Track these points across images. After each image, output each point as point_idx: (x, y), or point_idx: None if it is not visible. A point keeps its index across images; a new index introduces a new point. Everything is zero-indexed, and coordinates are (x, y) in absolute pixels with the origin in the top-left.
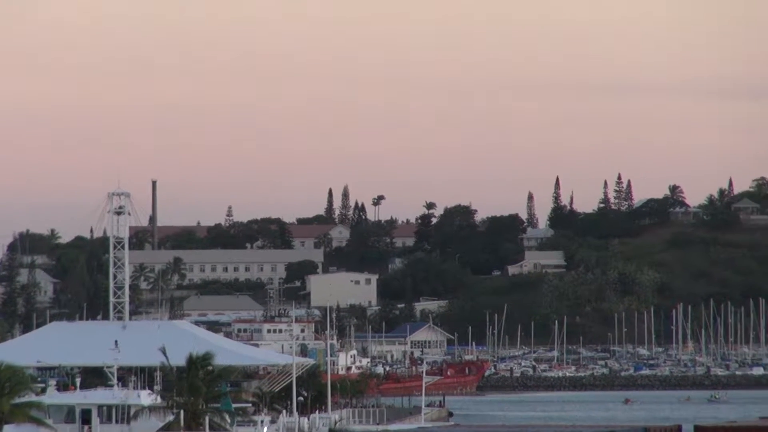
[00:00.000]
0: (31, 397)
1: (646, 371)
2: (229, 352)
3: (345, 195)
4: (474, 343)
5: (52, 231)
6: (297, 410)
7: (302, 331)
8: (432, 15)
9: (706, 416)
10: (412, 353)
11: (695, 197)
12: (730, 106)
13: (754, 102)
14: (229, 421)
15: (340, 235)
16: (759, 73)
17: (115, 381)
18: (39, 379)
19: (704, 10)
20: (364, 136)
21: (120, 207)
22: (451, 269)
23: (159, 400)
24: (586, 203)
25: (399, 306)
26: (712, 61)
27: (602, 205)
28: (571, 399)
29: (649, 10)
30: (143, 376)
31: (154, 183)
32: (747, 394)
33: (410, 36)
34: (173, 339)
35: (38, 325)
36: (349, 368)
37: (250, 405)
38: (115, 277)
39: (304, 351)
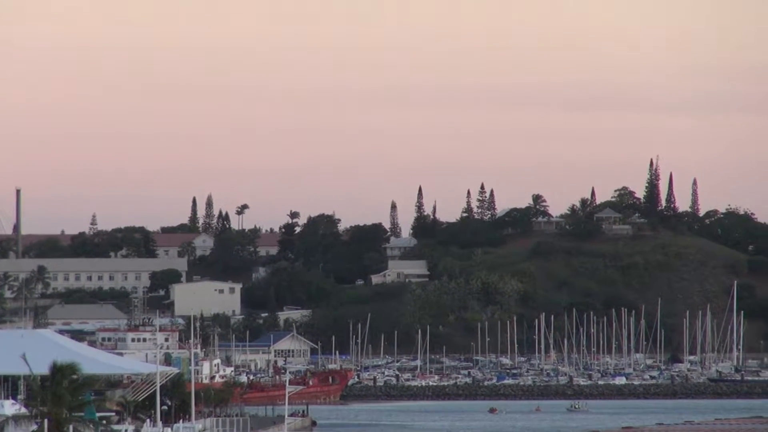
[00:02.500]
0: None
1: (509, 381)
2: (93, 361)
3: (209, 204)
4: (337, 352)
5: None
6: (161, 419)
7: (166, 340)
8: (287, 24)
9: (569, 426)
10: (275, 362)
11: (558, 207)
12: (593, 116)
13: (616, 112)
14: (93, 430)
15: (204, 244)
16: (619, 83)
17: None
18: None
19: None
20: (227, 145)
21: None
22: (315, 278)
23: (23, 409)
24: (449, 213)
25: (263, 315)
26: (574, 72)
27: (465, 215)
28: (435, 408)
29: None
30: (7, 385)
31: (18, 191)
32: (609, 404)
33: (270, 46)
34: (37, 348)
35: None
36: (212, 377)
37: (114, 414)
38: None
39: (168, 360)
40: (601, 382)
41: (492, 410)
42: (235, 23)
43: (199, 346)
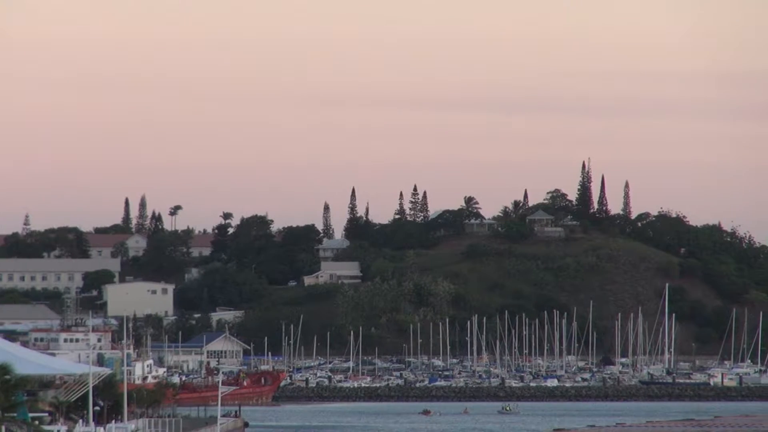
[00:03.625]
0: None
1: (441, 382)
2: (25, 362)
3: (142, 205)
4: (270, 353)
5: None
6: (93, 420)
7: (99, 340)
8: (220, 21)
9: (501, 429)
10: (208, 363)
11: (490, 209)
12: (525, 118)
13: (549, 114)
14: (25, 430)
15: (137, 244)
16: (551, 85)
17: None
18: None
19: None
20: (160, 146)
21: None
22: (248, 279)
23: None
24: (382, 214)
25: (195, 316)
26: (506, 74)
27: (398, 217)
28: (368, 410)
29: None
30: None
31: None
32: (541, 406)
33: (204, 43)
34: None
35: None
36: (145, 378)
37: (46, 415)
38: None
39: (100, 360)
40: (533, 384)
41: (425, 412)
42: (166, 17)
43: (131, 346)
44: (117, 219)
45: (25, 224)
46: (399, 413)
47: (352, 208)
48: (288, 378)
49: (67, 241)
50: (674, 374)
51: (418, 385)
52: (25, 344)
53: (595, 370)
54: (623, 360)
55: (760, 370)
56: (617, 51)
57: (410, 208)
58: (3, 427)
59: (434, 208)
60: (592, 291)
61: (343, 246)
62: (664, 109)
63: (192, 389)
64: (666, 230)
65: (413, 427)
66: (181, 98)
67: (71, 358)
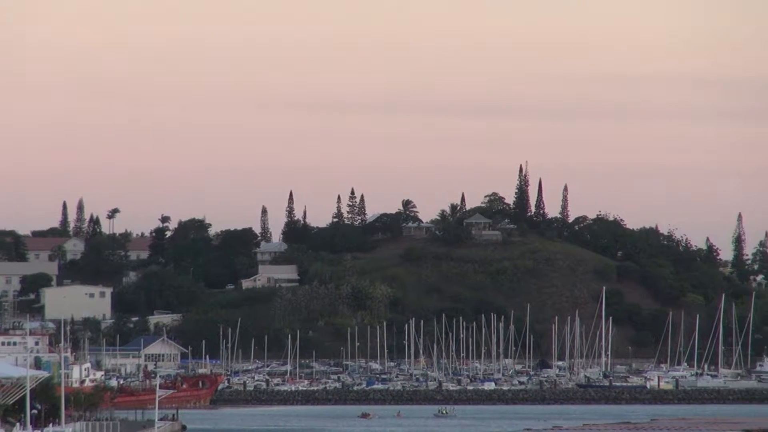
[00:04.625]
0: None
1: (378, 386)
2: None
3: (80, 208)
4: (208, 356)
5: None
6: (31, 423)
7: (36, 343)
8: (157, 23)
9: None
10: (146, 366)
11: (428, 212)
12: (463, 122)
13: (486, 118)
14: None
15: (74, 247)
16: (489, 89)
17: None
18: None
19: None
20: (99, 149)
21: None
22: (185, 283)
23: None
24: (320, 218)
25: (133, 319)
26: (447, 81)
27: (335, 220)
28: (305, 413)
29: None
30: None
31: None
32: (478, 409)
33: (141, 46)
34: None
35: None
36: (83, 381)
37: None
38: None
39: (38, 364)
40: (470, 388)
41: (365, 415)
42: (107, 21)
43: (69, 350)
44: (55, 222)
45: None
46: (337, 416)
47: (290, 211)
48: (226, 381)
49: (5, 245)
50: (611, 377)
51: (355, 388)
52: None
53: (532, 373)
54: (560, 363)
55: (697, 373)
56: (555, 54)
57: (348, 212)
58: None
59: (372, 212)
60: (530, 294)
61: (281, 249)
62: (601, 113)
63: (129, 392)
64: (603, 233)
65: (354, 430)
66: (119, 102)
67: (8, 362)
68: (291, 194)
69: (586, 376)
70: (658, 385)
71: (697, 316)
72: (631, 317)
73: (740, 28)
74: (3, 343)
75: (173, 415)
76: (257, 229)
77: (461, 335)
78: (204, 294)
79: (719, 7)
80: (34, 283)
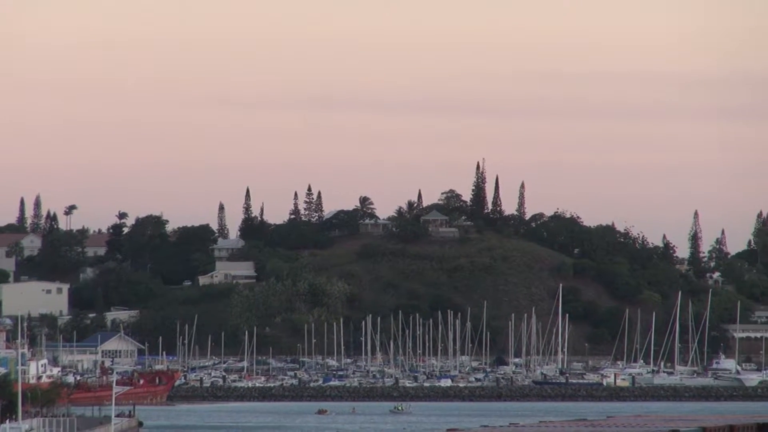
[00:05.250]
0: None
1: (335, 382)
2: None
3: (37, 204)
4: (164, 352)
5: None
6: None
7: None
8: (123, 25)
9: (393, 429)
10: (102, 363)
11: (385, 209)
12: (419, 119)
13: (443, 114)
14: None
15: (31, 244)
16: (445, 86)
17: None
18: None
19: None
20: (56, 145)
21: None
22: (143, 279)
23: None
24: (277, 214)
25: (90, 315)
26: (405, 78)
27: (293, 217)
28: (262, 410)
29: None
30: None
31: None
32: (434, 406)
33: (100, 46)
34: None
35: None
36: (40, 377)
37: None
38: None
39: None
40: (426, 384)
41: (321, 411)
42: (60, 18)
43: (26, 346)
44: (12, 218)
45: None
46: (294, 413)
47: (247, 208)
48: (182, 378)
49: None
50: (567, 374)
51: (312, 384)
52: None
53: (488, 370)
54: (517, 360)
55: (653, 371)
56: (511, 51)
57: (305, 208)
58: None
59: (329, 209)
60: (486, 291)
61: (238, 246)
62: (558, 111)
63: (87, 389)
64: (560, 231)
65: (310, 426)
66: (76, 98)
67: None
68: (248, 191)
69: (542, 373)
70: (615, 382)
71: (654, 313)
72: (588, 314)
73: (688, 25)
74: None
75: (130, 411)
76: (214, 226)
77: (418, 332)
78: (161, 290)
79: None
80: None
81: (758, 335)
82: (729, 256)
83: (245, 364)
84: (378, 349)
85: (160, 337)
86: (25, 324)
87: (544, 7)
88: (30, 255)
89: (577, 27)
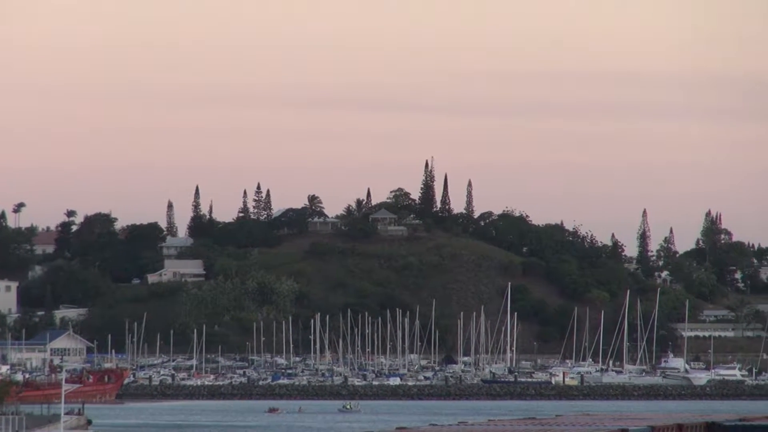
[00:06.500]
0: None
1: (284, 381)
2: None
3: None
4: (114, 351)
5: None
6: None
7: None
8: (78, 26)
9: (345, 428)
10: (51, 361)
11: (333, 208)
12: (369, 117)
13: (391, 113)
14: None
15: None
16: (394, 84)
17: None
18: None
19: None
20: (3, 143)
21: None
22: (91, 277)
23: None
24: (226, 213)
25: (39, 313)
26: (353, 77)
27: (241, 215)
28: (211, 408)
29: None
30: None
31: None
32: (383, 404)
33: (48, 45)
34: None
35: None
36: None
37: None
38: None
39: None
40: (375, 383)
41: (272, 410)
42: (21, 21)
43: None
44: None
45: None
46: (244, 411)
47: (196, 206)
48: (131, 376)
49: None
50: (516, 373)
51: (261, 383)
52: None
53: (437, 368)
54: (465, 359)
55: (602, 369)
56: (459, 50)
57: (254, 207)
58: None
59: (278, 207)
60: (435, 290)
61: (187, 244)
62: (507, 110)
63: (35, 387)
64: (508, 229)
65: (261, 424)
66: (24, 96)
67: None
68: (197, 189)
69: (491, 372)
70: (564, 381)
71: (602, 312)
72: (537, 313)
73: (629, 21)
74: None
75: (79, 409)
76: (163, 224)
77: (367, 330)
78: (110, 288)
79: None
80: None
81: (706, 334)
82: (677, 255)
83: (194, 362)
84: (327, 347)
85: (109, 336)
86: None
87: (489, 6)
88: None
89: (527, 26)
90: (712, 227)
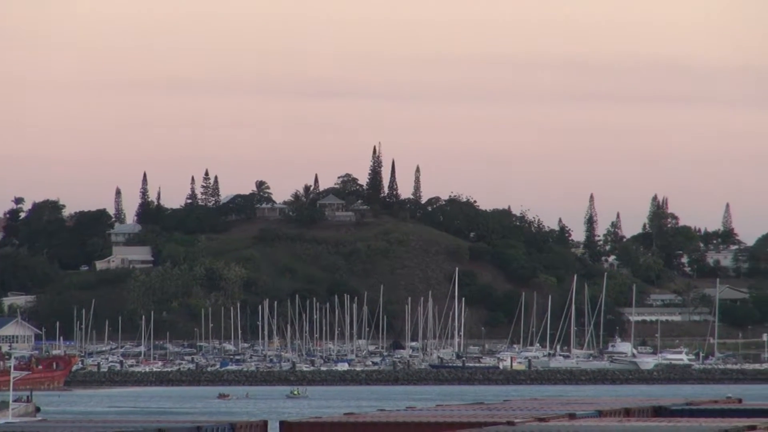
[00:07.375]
0: None
1: (232, 367)
2: None
3: None
4: (62, 338)
5: None
6: None
7: None
8: (19, 12)
9: (289, 411)
10: None
11: (281, 194)
12: (316, 103)
13: (340, 99)
14: None
15: None
16: (341, 71)
17: None
18: None
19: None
20: None
21: None
22: (40, 264)
23: None
24: (174, 199)
25: None
26: (301, 62)
27: (190, 201)
28: (160, 394)
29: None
30: None
31: None
32: (331, 390)
33: (4, 32)
34: None
35: None
36: None
37: None
38: None
39: None
40: (323, 368)
41: (222, 396)
42: None
43: None
44: None
45: None
46: (193, 397)
47: (144, 192)
48: (80, 363)
49: None
50: (464, 358)
51: (209, 369)
52: None
53: (385, 354)
54: (413, 344)
55: (549, 354)
56: (406, 35)
57: (202, 193)
58: None
59: (226, 193)
60: (383, 275)
61: (135, 230)
62: (455, 95)
63: None
64: (456, 215)
65: (212, 410)
66: None
67: None
68: (145, 175)
69: (439, 357)
70: (511, 365)
71: (550, 296)
72: (484, 298)
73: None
74: None
75: (27, 396)
76: (111, 211)
77: (315, 316)
78: (58, 275)
79: None
80: None
81: (653, 318)
82: (624, 240)
83: (142, 348)
84: (275, 333)
85: (58, 322)
86: None
87: None
88: None
89: (474, 9)
90: (659, 212)
